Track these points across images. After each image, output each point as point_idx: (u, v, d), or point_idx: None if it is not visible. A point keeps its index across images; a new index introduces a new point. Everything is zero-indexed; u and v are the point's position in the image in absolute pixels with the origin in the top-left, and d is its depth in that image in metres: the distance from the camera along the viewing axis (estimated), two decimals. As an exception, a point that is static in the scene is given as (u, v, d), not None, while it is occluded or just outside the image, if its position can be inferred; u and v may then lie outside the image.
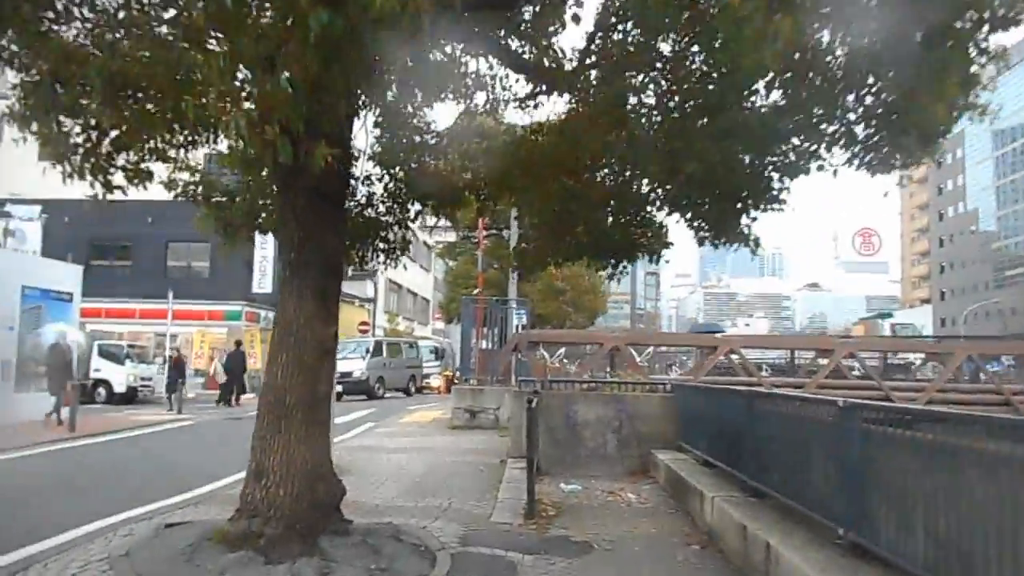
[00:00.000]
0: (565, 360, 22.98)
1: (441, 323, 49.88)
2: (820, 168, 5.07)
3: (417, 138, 7.91)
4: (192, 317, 28.58)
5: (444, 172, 8.02)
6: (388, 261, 7.60)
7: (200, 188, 6.97)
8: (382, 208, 7.50)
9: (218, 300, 29.41)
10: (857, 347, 12.94)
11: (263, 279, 30.49)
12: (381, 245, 7.47)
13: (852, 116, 4.55)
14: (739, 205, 5.59)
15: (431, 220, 8.13)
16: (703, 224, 5.92)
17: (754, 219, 5.82)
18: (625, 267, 7.30)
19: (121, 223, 23.37)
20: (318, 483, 4.95)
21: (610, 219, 7.13)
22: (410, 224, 7.60)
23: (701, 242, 6.05)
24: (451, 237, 34.42)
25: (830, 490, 4.54)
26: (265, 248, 28.87)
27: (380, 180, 7.55)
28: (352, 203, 7.55)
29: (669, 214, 6.15)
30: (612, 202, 6.82)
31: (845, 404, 4.43)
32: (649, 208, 6.83)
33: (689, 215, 5.93)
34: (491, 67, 7.61)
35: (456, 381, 18.17)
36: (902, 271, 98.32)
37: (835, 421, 4.60)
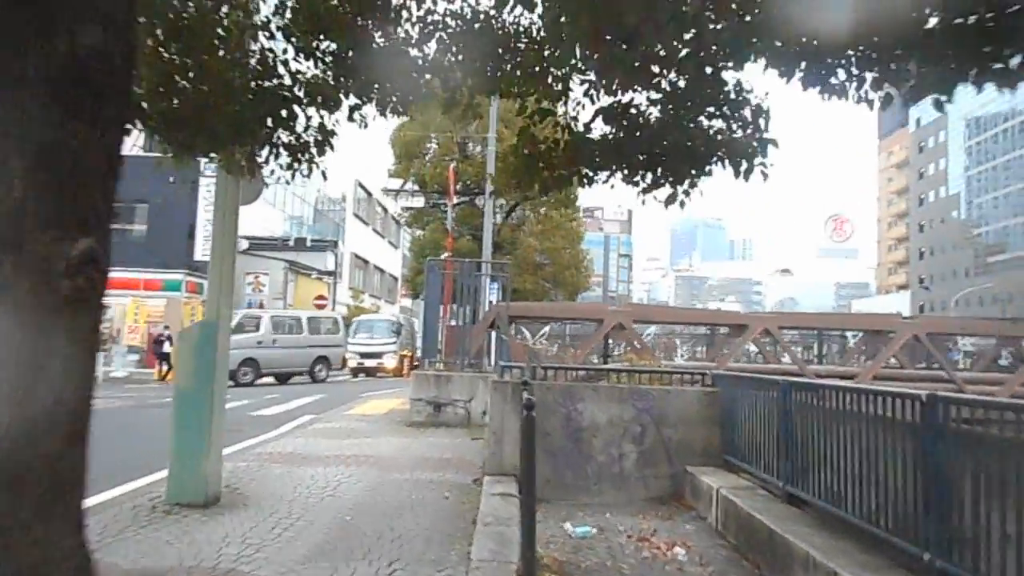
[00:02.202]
0: (545, 341, 20.16)
1: (408, 300, 46.72)
2: None
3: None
4: (126, 287, 25.24)
5: (400, 49, 5.07)
6: (297, 167, 4.61)
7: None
8: (287, 77, 4.50)
9: (156, 268, 26.03)
10: (925, 328, 10.31)
11: (207, 246, 27.47)
12: (285, 137, 4.50)
13: None
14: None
15: (373, 117, 5.09)
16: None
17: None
18: (691, 186, 4.42)
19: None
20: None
21: (676, 109, 4.27)
22: (331, 110, 4.60)
23: (914, 99, 3.21)
24: (419, 203, 31.14)
25: None
26: (209, 211, 25.77)
27: (284, 36, 4.55)
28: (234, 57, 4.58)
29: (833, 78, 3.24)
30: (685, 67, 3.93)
31: None
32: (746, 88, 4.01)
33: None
34: None
35: (417, 364, 15.22)
36: (878, 257, 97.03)
37: None
